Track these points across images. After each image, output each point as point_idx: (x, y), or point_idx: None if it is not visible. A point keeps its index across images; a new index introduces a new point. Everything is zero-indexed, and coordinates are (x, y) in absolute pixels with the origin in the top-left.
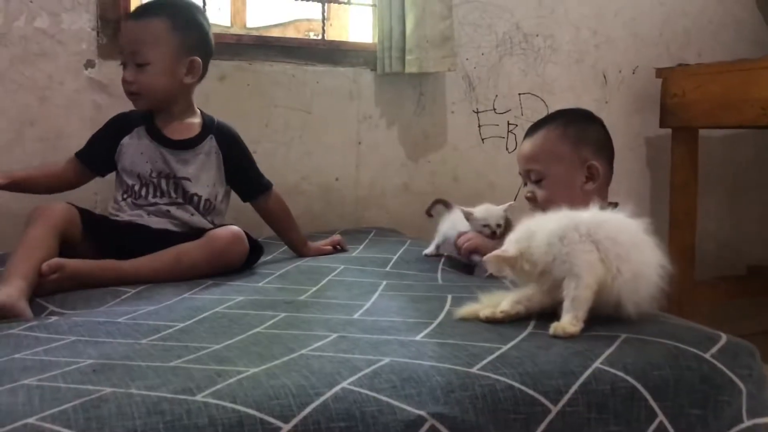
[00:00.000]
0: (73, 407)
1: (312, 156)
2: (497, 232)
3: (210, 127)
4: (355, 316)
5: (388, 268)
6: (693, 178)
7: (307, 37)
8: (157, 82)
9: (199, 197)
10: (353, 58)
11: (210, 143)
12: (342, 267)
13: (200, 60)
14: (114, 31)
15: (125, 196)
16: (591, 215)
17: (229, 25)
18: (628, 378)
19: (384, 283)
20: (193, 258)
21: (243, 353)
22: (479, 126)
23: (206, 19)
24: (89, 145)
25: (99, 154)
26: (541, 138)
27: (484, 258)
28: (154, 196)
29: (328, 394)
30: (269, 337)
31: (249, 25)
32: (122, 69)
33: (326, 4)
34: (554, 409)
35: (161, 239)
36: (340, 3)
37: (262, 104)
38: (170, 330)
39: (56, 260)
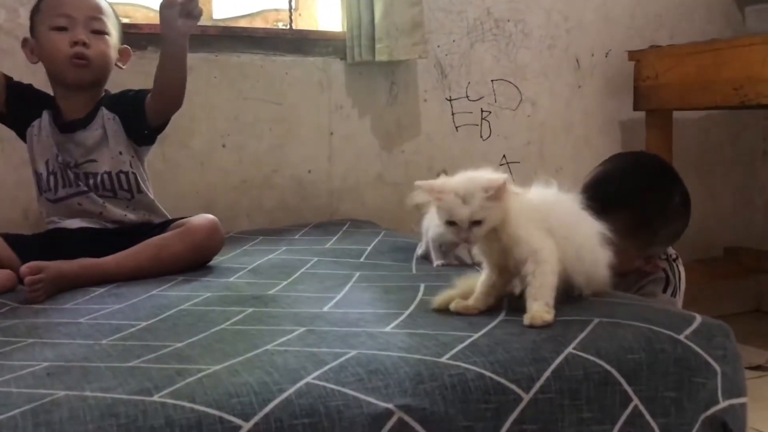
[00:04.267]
0: (22, 413)
1: (283, 148)
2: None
3: (101, 99)
4: (325, 308)
5: (362, 259)
6: (668, 161)
7: (274, 27)
8: (109, 53)
9: (108, 173)
10: (322, 47)
11: (100, 115)
12: (315, 259)
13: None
14: None
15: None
16: (540, 197)
17: None
18: (602, 362)
19: (357, 274)
20: (174, 251)
21: (206, 351)
22: (453, 114)
23: None
24: (24, 85)
25: (23, 95)
26: None
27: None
28: (64, 186)
29: (291, 389)
30: (234, 334)
31: (216, 16)
32: (53, 33)
33: None
34: (526, 397)
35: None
36: None
37: (231, 96)
38: (132, 329)
39: (35, 262)
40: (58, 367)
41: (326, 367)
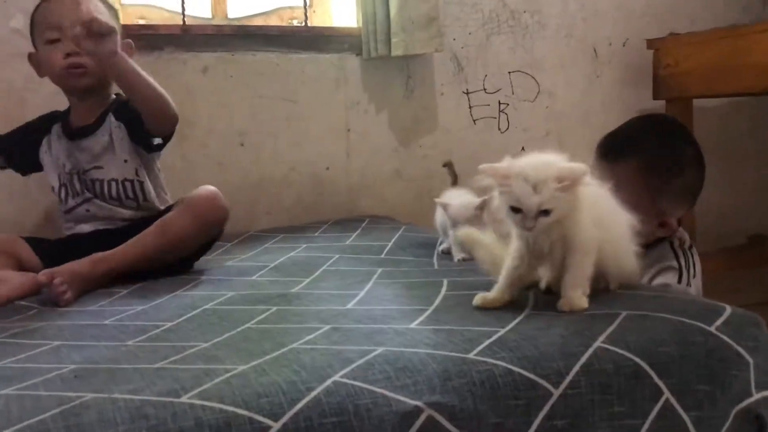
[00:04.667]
0: (52, 416)
1: (301, 146)
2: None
3: (110, 105)
4: (349, 306)
5: (383, 256)
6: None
7: (290, 25)
8: (114, 51)
9: (115, 181)
10: (338, 43)
11: (107, 121)
12: (337, 256)
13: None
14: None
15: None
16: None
17: (210, 16)
18: (632, 356)
19: (379, 270)
20: (178, 227)
21: (232, 350)
22: (470, 107)
23: None
24: (9, 137)
25: (17, 142)
26: None
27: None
28: (73, 197)
29: (320, 388)
30: (259, 333)
31: (230, 15)
32: (48, 47)
33: None
34: (556, 393)
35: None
36: None
37: (247, 95)
38: (158, 330)
39: (48, 270)
40: (85, 370)
41: (353, 365)
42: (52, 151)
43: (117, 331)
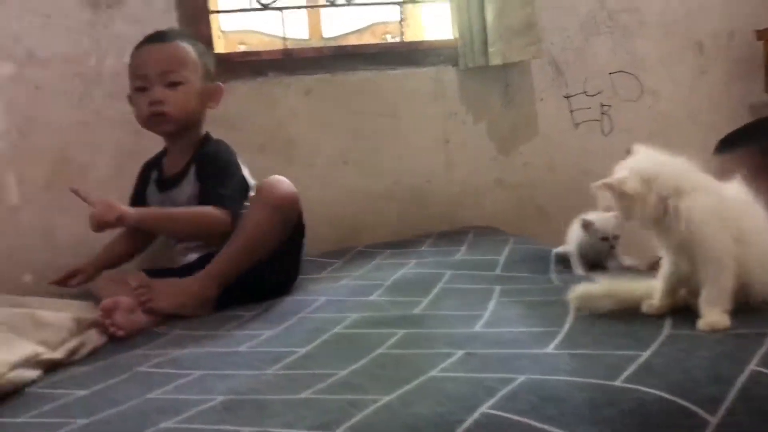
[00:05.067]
0: None
1: (402, 160)
2: (614, 245)
3: (195, 154)
4: (476, 328)
5: (497, 272)
6: None
7: (385, 42)
8: (189, 101)
9: None
10: (434, 56)
11: (191, 171)
12: (449, 273)
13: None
14: None
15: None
16: (734, 196)
17: (307, 37)
18: None
19: (497, 288)
20: (252, 220)
21: (371, 378)
22: (571, 111)
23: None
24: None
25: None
26: None
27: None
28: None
29: (469, 420)
30: (394, 359)
31: (326, 35)
32: (137, 94)
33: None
34: (713, 420)
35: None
36: (416, 2)
37: (348, 113)
38: (293, 357)
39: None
40: (232, 401)
41: (498, 395)
42: (149, 198)
43: (253, 359)
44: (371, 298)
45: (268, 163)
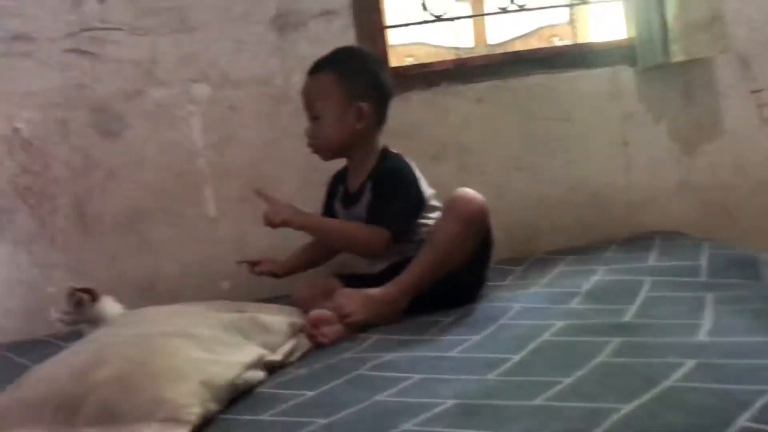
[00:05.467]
0: None
1: (577, 164)
2: None
3: (373, 171)
4: (701, 338)
5: (703, 278)
6: None
7: (556, 45)
8: (328, 133)
9: None
10: (608, 57)
11: (368, 188)
12: (649, 280)
13: (368, 106)
14: None
15: None
16: None
17: (472, 45)
18: None
19: (709, 295)
20: (442, 232)
21: (601, 387)
22: (759, 107)
23: (378, 64)
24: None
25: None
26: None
27: None
28: None
29: None
30: (619, 368)
31: (490, 42)
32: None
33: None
34: None
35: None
36: (588, 3)
37: (521, 119)
38: (508, 363)
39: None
40: (465, 405)
41: (754, 408)
42: (336, 212)
43: (468, 364)
44: (571, 305)
45: (441, 172)
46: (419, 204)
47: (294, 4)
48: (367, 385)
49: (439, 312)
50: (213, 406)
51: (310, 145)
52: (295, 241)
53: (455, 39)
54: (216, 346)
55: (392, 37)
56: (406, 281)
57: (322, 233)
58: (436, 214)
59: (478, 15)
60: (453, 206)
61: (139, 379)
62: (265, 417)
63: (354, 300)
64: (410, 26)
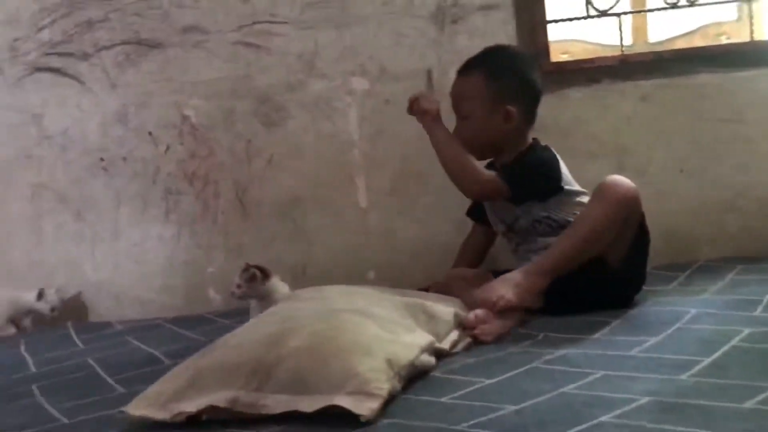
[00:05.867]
0: None
1: (747, 169)
2: None
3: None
4: None
5: None
6: None
7: (729, 42)
8: (475, 133)
9: (534, 223)
10: None
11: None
12: None
13: (515, 108)
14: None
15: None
16: None
17: (630, 43)
18: None
19: None
20: (589, 217)
21: None
22: None
23: (528, 63)
24: (471, 207)
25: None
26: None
27: None
28: (510, 242)
29: None
30: None
31: (651, 40)
32: None
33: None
34: None
35: None
36: None
37: (687, 120)
38: (700, 366)
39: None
40: (666, 404)
41: None
42: (484, 204)
43: (654, 364)
44: (756, 314)
45: (597, 171)
46: (547, 179)
47: None
48: (547, 378)
49: (599, 312)
50: (396, 384)
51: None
52: (444, 236)
53: (614, 36)
54: (393, 326)
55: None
56: (547, 262)
57: (444, 144)
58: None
59: (646, 10)
60: (601, 189)
61: (328, 351)
62: (445, 399)
63: (496, 287)
64: (572, 21)
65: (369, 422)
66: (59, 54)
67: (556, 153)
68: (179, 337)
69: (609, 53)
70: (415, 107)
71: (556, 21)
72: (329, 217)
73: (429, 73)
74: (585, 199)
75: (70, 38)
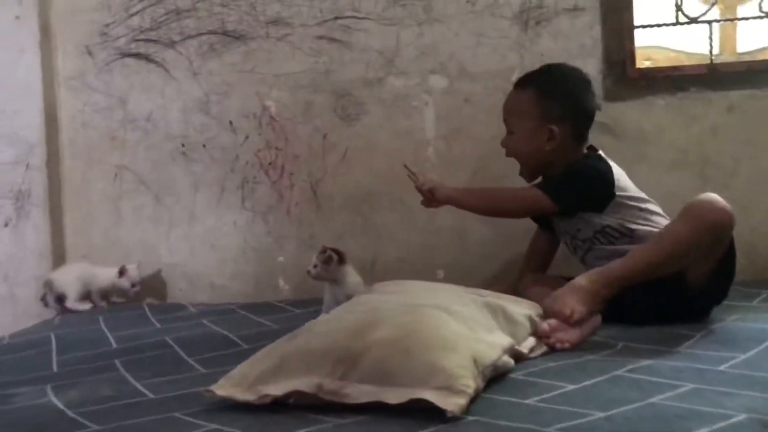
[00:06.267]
0: None
1: None
2: None
3: None
4: None
5: None
6: None
7: None
8: (519, 149)
9: (597, 233)
10: None
11: None
12: None
13: (561, 128)
14: (619, 74)
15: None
16: None
17: (717, 52)
18: None
19: None
20: (673, 233)
21: None
22: None
23: (583, 84)
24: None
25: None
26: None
27: None
28: (574, 253)
29: None
30: None
31: (740, 50)
32: None
33: None
34: None
35: None
36: None
37: None
38: None
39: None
40: (765, 422)
41: None
42: (551, 221)
43: (747, 380)
44: None
45: (678, 181)
46: (593, 187)
47: None
48: (633, 387)
49: (677, 324)
50: (480, 383)
51: (507, 155)
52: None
53: (698, 44)
54: (475, 325)
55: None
56: (618, 271)
57: (477, 200)
58: (656, 218)
59: (739, 18)
60: (692, 207)
61: (413, 344)
62: (530, 402)
63: (566, 299)
64: (660, 27)
65: (454, 418)
66: (147, 41)
67: (609, 161)
68: (252, 322)
69: (694, 61)
70: (426, 198)
71: (644, 26)
72: (400, 213)
73: (407, 168)
74: (650, 206)
75: (159, 26)
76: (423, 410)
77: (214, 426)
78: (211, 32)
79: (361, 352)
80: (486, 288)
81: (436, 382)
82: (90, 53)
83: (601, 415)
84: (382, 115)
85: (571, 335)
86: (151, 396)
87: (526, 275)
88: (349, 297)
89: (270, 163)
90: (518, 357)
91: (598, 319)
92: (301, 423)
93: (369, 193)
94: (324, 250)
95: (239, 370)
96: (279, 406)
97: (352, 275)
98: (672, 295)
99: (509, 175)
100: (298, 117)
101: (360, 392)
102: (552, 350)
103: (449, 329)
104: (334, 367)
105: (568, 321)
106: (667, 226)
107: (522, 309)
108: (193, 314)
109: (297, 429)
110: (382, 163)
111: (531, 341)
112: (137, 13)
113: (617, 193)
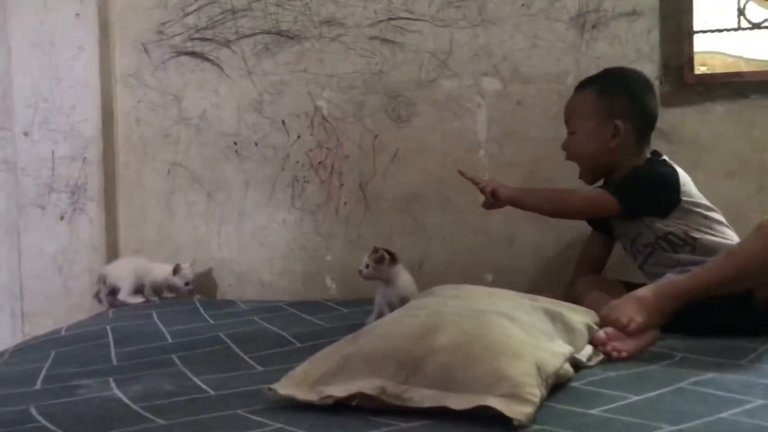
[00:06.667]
0: None
1: None
2: None
3: None
4: None
5: None
6: None
7: None
8: (581, 149)
9: (659, 239)
10: None
11: None
12: None
13: (625, 124)
14: (676, 80)
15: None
16: None
17: None
18: None
19: None
20: (746, 251)
21: None
22: None
23: (645, 87)
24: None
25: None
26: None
27: None
28: (634, 260)
29: None
30: None
31: None
32: None
33: None
34: None
35: None
36: None
37: None
38: None
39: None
40: None
41: None
42: (610, 224)
43: None
44: None
45: (735, 190)
46: (659, 191)
47: (598, 2)
48: (699, 400)
49: (739, 337)
50: (544, 391)
51: (567, 158)
52: (566, 244)
53: (759, 50)
54: (536, 332)
55: None
56: (684, 286)
57: (540, 200)
58: (721, 228)
59: None
60: (765, 226)
61: (477, 350)
62: (595, 412)
63: (626, 309)
64: (721, 33)
65: (521, 426)
66: (202, 39)
67: (676, 167)
68: (302, 320)
69: (753, 67)
70: (487, 200)
71: (704, 32)
72: (450, 215)
73: (462, 174)
74: (715, 215)
75: (214, 25)
76: (487, 417)
77: (278, 425)
78: (265, 32)
79: (425, 356)
80: (537, 294)
81: (501, 390)
82: (146, 51)
83: (671, 428)
84: (433, 117)
85: (628, 345)
86: (212, 392)
87: (579, 280)
88: (400, 297)
89: (320, 163)
90: (577, 366)
91: (657, 332)
92: (364, 425)
93: (418, 194)
94: (376, 250)
95: (301, 370)
96: (341, 407)
97: (403, 275)
98: (737, 312)
99: (562, 179)
100: (350, 117)
101: (423, 396)
102: (608, 359)
103: (513, 336)
104: (397, 371)
105: (625, 330)
106: (740, 243)
107: (579, 316)
108: (243, 311)
109: (361, 431)
110: (432, 165)
111: (588, 350)
112: (193, 12)
113: (683, 198)
